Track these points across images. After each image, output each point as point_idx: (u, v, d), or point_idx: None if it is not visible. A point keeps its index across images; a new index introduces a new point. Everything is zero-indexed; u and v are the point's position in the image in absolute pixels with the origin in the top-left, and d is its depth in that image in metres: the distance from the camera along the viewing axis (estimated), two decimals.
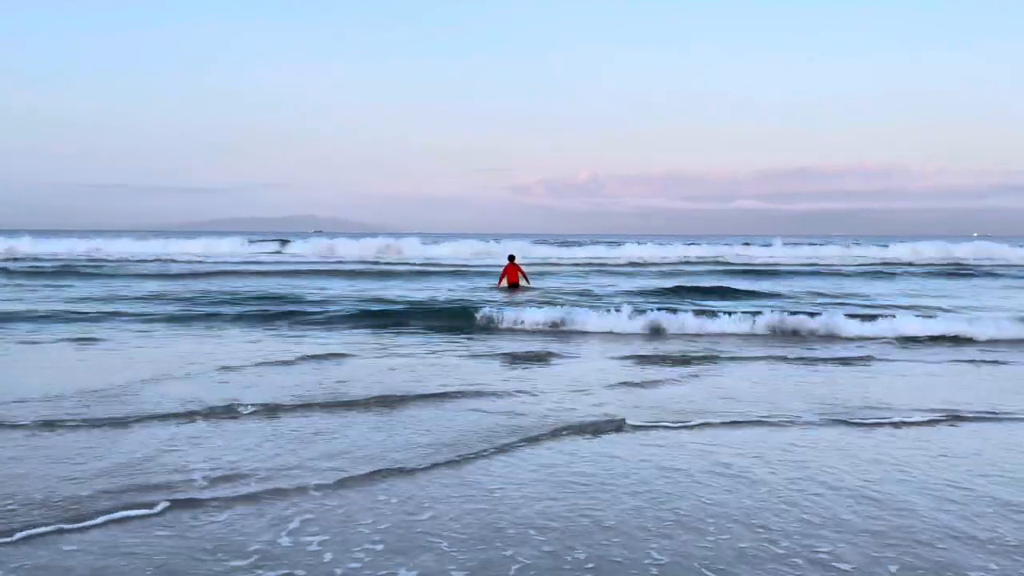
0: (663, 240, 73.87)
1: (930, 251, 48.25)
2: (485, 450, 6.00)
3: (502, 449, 6.02)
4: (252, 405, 7.28)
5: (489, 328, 14.16)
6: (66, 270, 28.74)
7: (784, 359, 10.98)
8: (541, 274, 28.69)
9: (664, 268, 36.44)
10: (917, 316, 14.69)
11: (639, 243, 59.22)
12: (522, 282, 21.61)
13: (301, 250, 46.74)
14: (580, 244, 59.99)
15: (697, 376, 9.45)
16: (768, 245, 60.61)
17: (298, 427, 6.58)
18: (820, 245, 59.93)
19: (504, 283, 21.82)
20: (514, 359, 10.68)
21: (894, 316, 14.67)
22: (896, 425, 7.03)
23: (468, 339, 12.74)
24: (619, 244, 57.20)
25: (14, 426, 6.45)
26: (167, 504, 4.72)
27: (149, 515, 4.55)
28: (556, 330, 13.92)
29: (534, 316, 14.45)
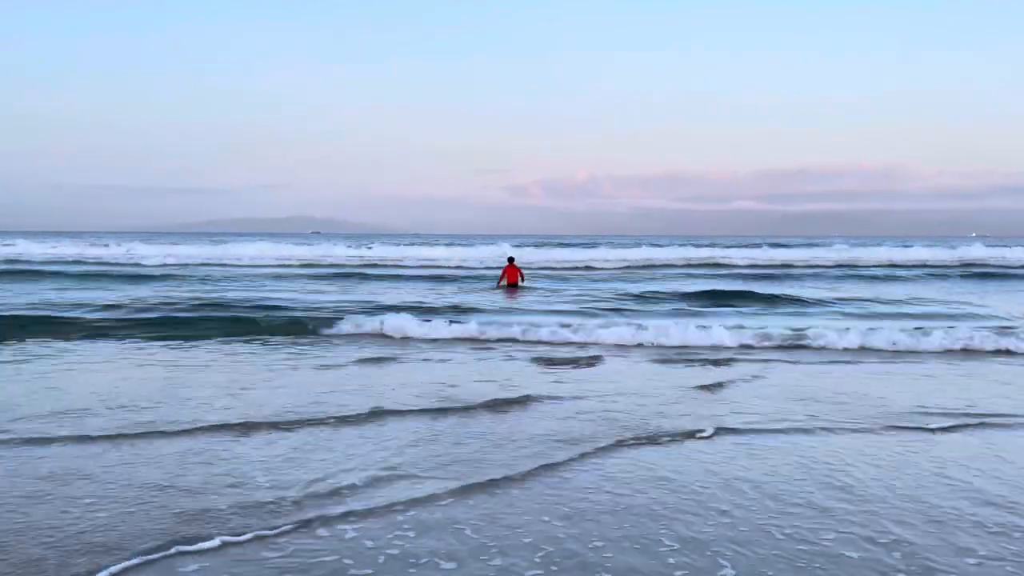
0: (669, 240, 73.27)
1: (942, 253, 46.87)
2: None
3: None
4: None
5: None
6: None
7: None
8: (577, 278, 27.84)
9: (693, 271, 33.79)
10: None
11: (660, 245, 57.81)
12: (520, 282, 22.27)
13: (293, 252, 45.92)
14: (595, 245, 58.92)
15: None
16: (784, 246, 59.42)
17: None
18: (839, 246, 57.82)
19: (504, 282, 22.42)
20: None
21: None
22: None
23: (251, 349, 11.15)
24: (639, 245, 55.93)
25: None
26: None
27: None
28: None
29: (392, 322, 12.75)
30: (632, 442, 6.17)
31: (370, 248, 52.28)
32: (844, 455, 5.89)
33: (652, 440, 6.25)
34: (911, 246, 58.55)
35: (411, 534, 4.31)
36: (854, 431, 6.67)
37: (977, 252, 46.31)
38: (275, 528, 4.34)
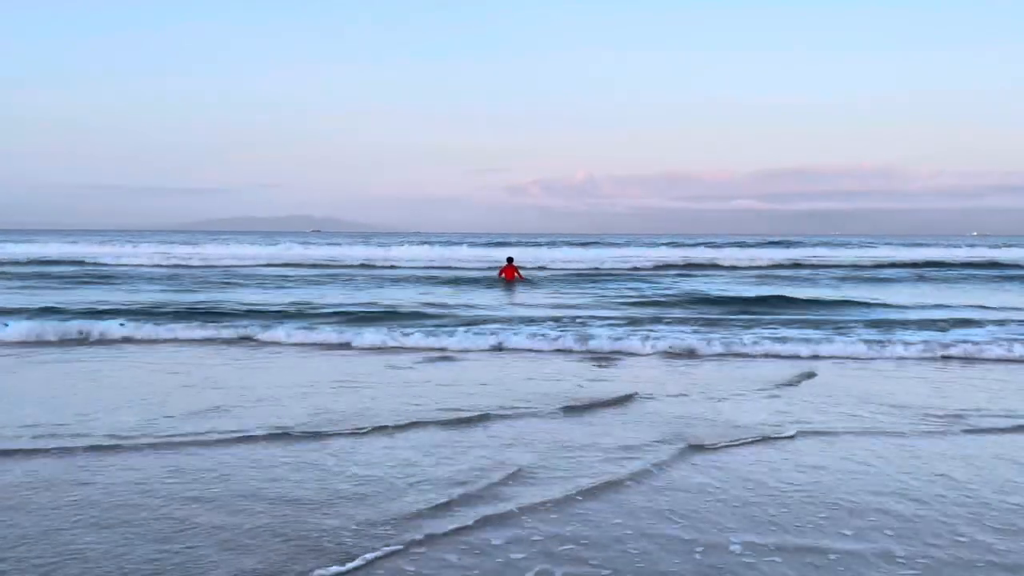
0: (676, 238, 72.58)
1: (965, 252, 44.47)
2: None
3: None
4: None
5: None
6: None
7: None
8: (623, 280, 25.75)
9: (749, 272, 30.98)
10: None
11: (717, 244, 56.34)
12: (517, 279, 24.44)
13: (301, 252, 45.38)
14: (618, 245, 57.77)
15: None
16: (828, 244, 57.44)
17: None
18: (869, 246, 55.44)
19: (503, 279, 24.43)
20: None
21: None
22: None
23: None
24: (683, 244, 54.61)
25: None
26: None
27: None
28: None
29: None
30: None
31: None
32: None
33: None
34: (958, 246, 56.46)
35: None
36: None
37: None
38: None
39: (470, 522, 4.25)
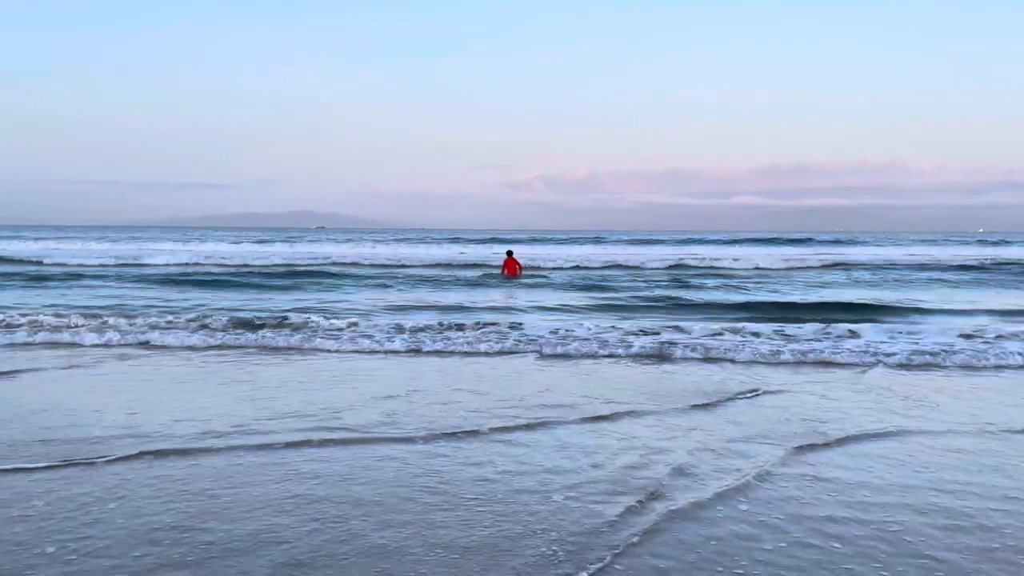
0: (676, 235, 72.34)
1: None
2: None
3: None
4: None
5: None
6: None
7: None
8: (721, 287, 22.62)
9: (816, 275, 28.09)
10: None
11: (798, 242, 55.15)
12: (518, 273, 24.45)
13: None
14: (694, 241, 56.69)
15: None
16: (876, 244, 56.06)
17: None
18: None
19: (505, 273, 24.49)
20: None
21: None
22: None
23: None
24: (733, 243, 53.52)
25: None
26: None
27: None
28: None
29: None
30: None
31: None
32: None
33: None
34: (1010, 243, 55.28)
35: None
36: None
37: None
38: None
39: None
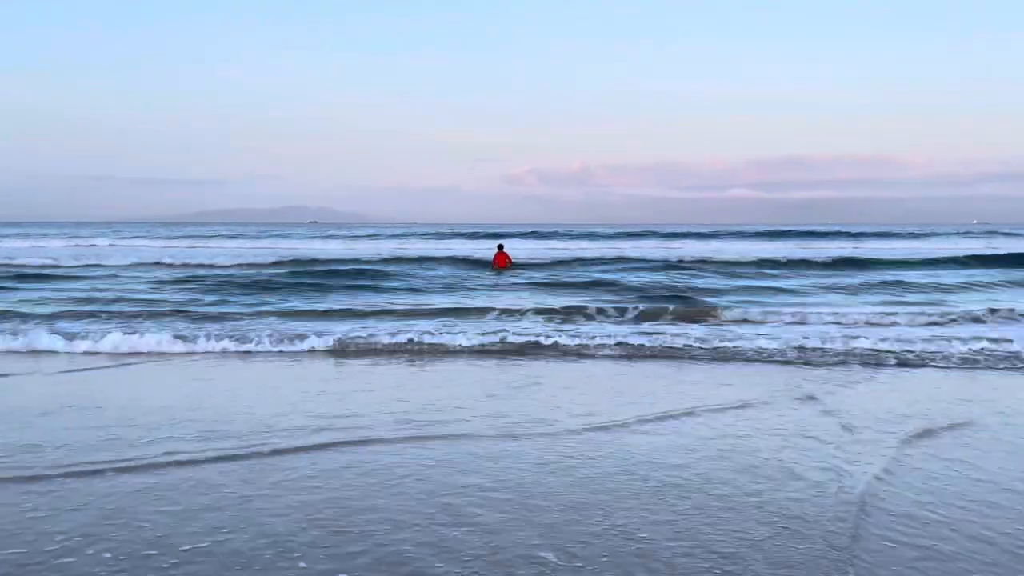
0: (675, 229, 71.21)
1: None
2: None
3: None
4: None
5: None
6: None
7: None
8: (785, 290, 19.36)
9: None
10: None
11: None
12: (508, 266, 24.79)
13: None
14: (702, 237, 56.53)
15: None
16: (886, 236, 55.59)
17: None
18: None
19: (495, 266, 24.92)
20: None
21: None
22: None
23: None
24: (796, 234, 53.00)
25: None
26: None
27: None
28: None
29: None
30: None
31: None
32: None
33: None
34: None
35: None
36: None
37: None
38: None
39: None
